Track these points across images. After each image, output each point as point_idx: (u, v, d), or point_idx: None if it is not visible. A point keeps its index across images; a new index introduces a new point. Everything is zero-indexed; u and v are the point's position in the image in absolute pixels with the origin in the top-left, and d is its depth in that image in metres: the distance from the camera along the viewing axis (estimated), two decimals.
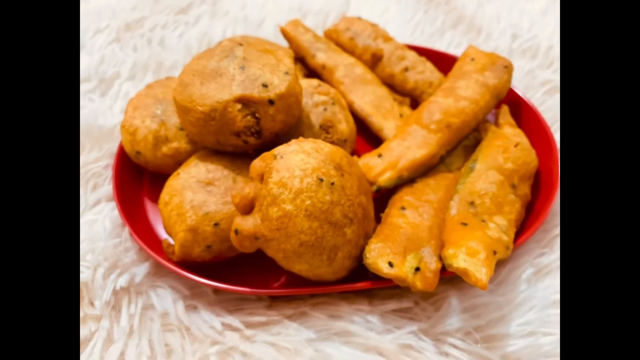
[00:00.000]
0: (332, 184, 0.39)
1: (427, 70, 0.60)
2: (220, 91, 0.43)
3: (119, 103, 0.61)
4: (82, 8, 0.73)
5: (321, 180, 0.38)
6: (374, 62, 0.62)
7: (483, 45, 0.71)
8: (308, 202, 0.37)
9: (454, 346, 0.39)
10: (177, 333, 0.40)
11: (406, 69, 0.60)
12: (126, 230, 0.46)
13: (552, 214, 0.49)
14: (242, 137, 0.43)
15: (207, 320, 0.41)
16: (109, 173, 0.53)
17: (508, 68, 0.56)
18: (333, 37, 0.65)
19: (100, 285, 0.41)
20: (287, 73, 0.45)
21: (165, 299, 0.43)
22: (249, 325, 0.41)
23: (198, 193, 0.43)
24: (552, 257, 0.45)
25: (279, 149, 0.40)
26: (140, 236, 0.45)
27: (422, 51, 0.65)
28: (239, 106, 0.42)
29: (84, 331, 0.39)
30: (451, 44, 0.72)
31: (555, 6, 0.77)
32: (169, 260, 0.43)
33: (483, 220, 0.42)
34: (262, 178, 0.40)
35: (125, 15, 0.72)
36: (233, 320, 0.41)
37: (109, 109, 0.60)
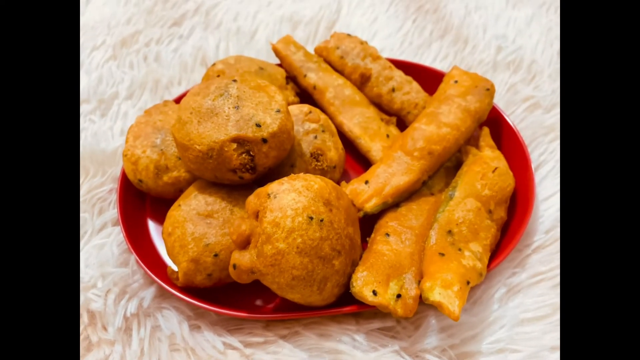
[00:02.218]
0: (322, 220, 0.42)
1: (413, 91, 0.62)
2: (217, 131, 0.46)
3: (119, 124, 0.63)
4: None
5: (311, 218, 0.42)
6: (362, 81, 0.64)
7: (469, 58, 0.73)
8: (299, 240, 0.41)
9: None
10: (183, 353, 0.45)
11: (393, 90, 0.63)
12: (132, 257, 0.49)
13: (526, 234, 0.53)
14: (238, 173, 0.47)
15: (210, 340, 0.46)
16: (113, 197, 0.57)
17: (490, 90, 0.59)
18: (324, 55, 0.68)
19: (111, 312, 0.46)
20: (278, 111, 0.48)
21: (171, 320, 0.47)
22: (248, 345, 0.46)
23: (198, 225, 0.47)
24: (522, 276, 0.50)
25: (272, 188, 0.43)
26: (146, 261, 0.49)
27: (408, 66, 0.68)
28: (234, 145, 0.45)
29: (99, 354, 0.44)
30: (438, 56, 0.74)
31: (540, 14, 0.79)
32: (173, 285, 0.48)
33: (459, 249, 0.46)
34: (257, 215, 0.43)
35: (120, 30, 0.74)
36: (233, 340, 0.46)
37: (109, 130, 0.63)
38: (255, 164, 0.47)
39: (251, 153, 0.46)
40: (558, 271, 0.49)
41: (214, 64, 0.62)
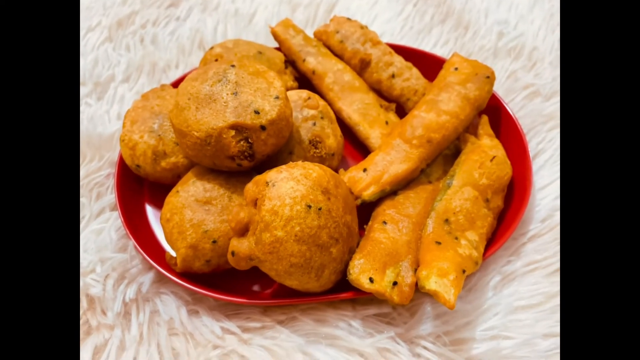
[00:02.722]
0: (320, 209, 0.42)
1: (413, 78, 0.62)
2: (215, 117, 0.45)
3: (115, 107, 0.63)
4: None
5: (309, 207, 0.42)
6: (362, 67, 0.64)
7: (469, 44, 0.72)
8: (297, 228, 0.41)
9: (426, 348, 0.45)
10: (182, 338, 0.46)
11: (393, 76, 0.62)
12: (131, 242, 0.50)
13: (522, 222, 0.54)
14: (237, 160, 0.46)
15: (208, 325, 0.46)
16: (111, 182, 0.56)
17: (490, 78, 0.59)
18: (323, 39, 0.67)
19: (110, 297, 0.46)
20: (277, 97, 0.47)
21: (170, 305, 0.48)
22: (246, 330, 0.46)
23: (197, 212, 0.47)
24: (517, 264, 0.51)
25: (271, 176, 0.43)
26: (145, 247, 0.49)
27: (409, 52, 0.67)
28: (232, 132, 0.45)
29: (98, 339, 0.44)
30: (439, 41, 0.73)
31: None
32: (172, 271, 0.48)
33: (456, 238, 0.46)
34: (255, 203, 0.43)
35: (115, 11, 0.72)
36: (231, 325, 0.46)
37: (106, 114, 0.62)
38: (253, 151, 0.47)
39: (249, 140, 0.46)
40: (553, 260, 0.50)
41: (212, 48, 0.62)
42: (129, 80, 0.66)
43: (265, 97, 0.47)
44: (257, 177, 0.45)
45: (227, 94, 0.46)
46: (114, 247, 0.51)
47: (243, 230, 0.43)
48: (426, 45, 0.74)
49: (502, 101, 0.62)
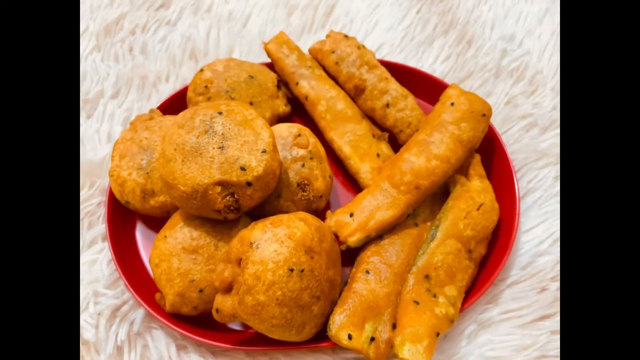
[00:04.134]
0: (302, 271, 0.44)
1: (408, 108, 0.61)
2: (201, 173, 0.45)
3: (105, 127, 0.62)
4: None
5: (291, 270, 0.43)
6: (356, 93, 0.62)
7: (471, 61, 0.69)
8: (279, 292, 0.43)
9: None
10: None
11: (387, 105, 0.61)
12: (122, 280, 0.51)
13: (504, 268, 0.55)
14: (222, 213, 0.47)
15: None
16: (102, 211, 0.57)
17: (486, 116, 0.57)
18: (318, 58, 0.64)
19: (103, 339, 0.48)
20: (264, 151, 0.47)
21: (160, 341, 0.50)
22: None
23: (184, 261, 0.48)
24: (494, 311, 0.52)
25: (255, 236, 0.44)
26: (135, 284, 0.51)
27: (408, 72, 0.65)
28: (218, 189, 0.45)
29: None
30: (439, 56, 0.71)
31: (554, 10, 0.74)
32: (161, 311, 0.50)
33: (434, 295, 0.48)
34: (239, 262, 0.45)
35: (103, 14, 0.69)
36: None
37: (96, 134, 0.61)
38: (239, 205, 0.47)
39: (235, 196, 0.46)
40: (528, 310, 0.52)
41: (201, 70, 0.60)
42: (119, 95, 0.64)
43: (252, 151, 0.47)
44: (242, 234, 0.46)
45: (214, 148, 0.46)
46: (105, 282, 0.53)
47: (227, 288, 0.45)
48: (426, 59, 0.71)
49: (497, 134, 0.61)
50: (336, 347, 0.50)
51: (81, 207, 0.56)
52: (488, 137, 0.61)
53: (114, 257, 0.52)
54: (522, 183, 0.60)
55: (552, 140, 0.62)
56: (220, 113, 0.48)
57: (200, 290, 0.48)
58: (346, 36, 0.64)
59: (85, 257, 0.54)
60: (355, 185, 0.61)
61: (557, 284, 0.53)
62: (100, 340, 0.48)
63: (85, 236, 0.55)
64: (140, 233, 0.57)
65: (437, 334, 0.45)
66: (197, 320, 0.50)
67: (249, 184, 0.46)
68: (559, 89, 0.66)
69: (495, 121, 0.65)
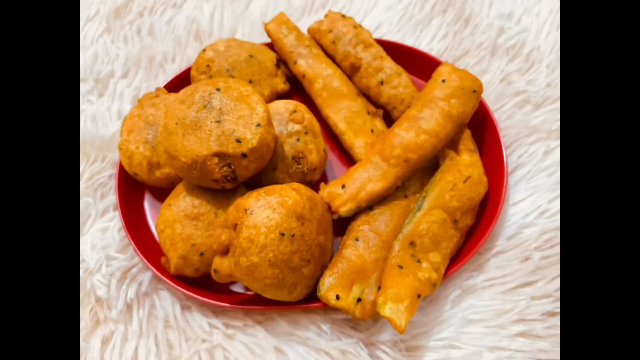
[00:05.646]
0: (293, 235, 0.47)
1: (401, 86, 0.63)
2: (200, 145, 0.49)
3: (115, 105, 0.66)
4: None
5: (282, 234, 0.47)
6: (352, 71, 0.64)
7: (467, 39, 0.71)
8: (271, 254, 0.46)
9: (384, 352, 0.51)
10: (176, 331, 0.53)
11: (382, 82, 0.63)
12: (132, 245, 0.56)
13: (490, 237, 0.57)
14: (220, 183, 0.51)
15: (198, 321, 0.54)
16: (113, 182, 0.62)
17: (476, 92, 0.59)
18: (316, 37, 0.67)
19: (114, 296, 0.53)
20: (258, 125, 0.50)
21: (166, 301, 0.55)
22: (230, 327, 0.53)
23: (186, 227, 0.52)
24: (478, 279, 0.55)
25: (250, 204, 0.48)
26: (143, 249, 0.56)
27: (404, 50, 0.67)
28: (216, 160, 0.49)
29: (105, 330, 0.52)
30: (437, 35, 0.72)
31: None
32: (166, 273, 0.54)
33: (418, 261, 0.51)
34: (235, 227, 0.48)
35: None
36: (217, 322, 0.53)
37: (107, 111, 0.66)
38: (236, 175, 0.50)
39: (232, 166, 0.50)
40: (510, 278, 0.54)
41: (204, 50, 0.63)
42: (128, 75, 0.68)
43: (247, 125, 0.50)
44: (239, 202, 0.49)
45: (211, 122, 0.49)
46: (117, 247, 0.57)
47: (224, 251, 0.49)
48: (424, 38, 0.73)
49: (489, 111, 0.62)
50: (327, 308, 0.54)
51: (94, 179, 0.61)
52: (480, 113, 0.63)
53: (124, 225, 0.56)
54: (512, 158, 0.62)
55: (543, 116, 0.63)
56: (218, 89, 0.51)
57: (201, 254, 0.52)
58: (343, 16, 0.67)
59: (98, 225, 0.59)
60: (350, 160, 0.64)
61: (540, 254, 0.55)
62: (111, 297, 0.53)
63: (98, 206, 0.60)
64: (148, 202, 0.61)
65: (419, 296, 0.48)
66: (199, 282, 0.55)
67: (244, 155, 0.49)
68: (555, 65, 0.67)
69: (490, 98, 0.66)
